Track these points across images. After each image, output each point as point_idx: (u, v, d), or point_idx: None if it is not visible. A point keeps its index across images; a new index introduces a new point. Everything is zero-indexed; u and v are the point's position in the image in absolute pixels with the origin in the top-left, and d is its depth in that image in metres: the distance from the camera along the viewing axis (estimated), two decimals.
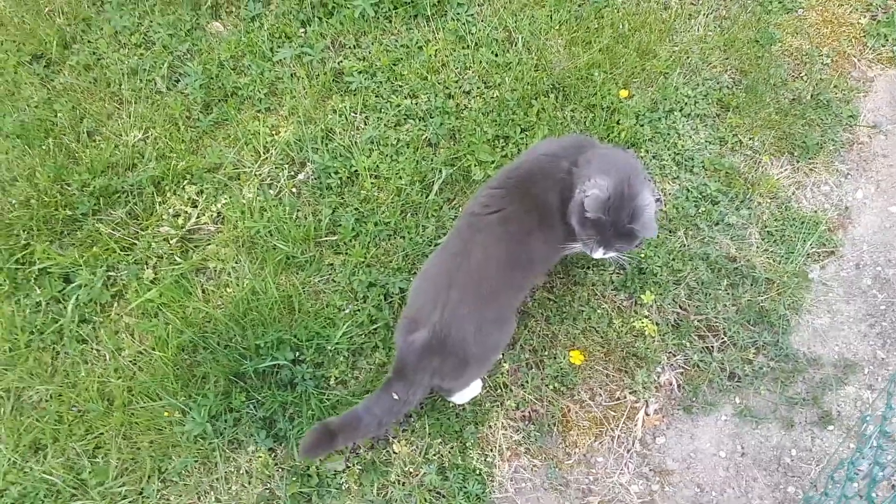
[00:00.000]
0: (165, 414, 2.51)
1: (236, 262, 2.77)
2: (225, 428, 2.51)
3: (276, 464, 2.49)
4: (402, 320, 2.28)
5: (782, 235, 2.91)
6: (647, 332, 2.68)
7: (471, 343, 2.17)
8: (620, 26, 3.20)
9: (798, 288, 2.81)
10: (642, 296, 2.72)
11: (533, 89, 3.04)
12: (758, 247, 2.88)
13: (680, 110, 3.07)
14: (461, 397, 2.50)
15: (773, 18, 3.30)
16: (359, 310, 2.67)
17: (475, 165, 2.86)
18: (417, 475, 2.47)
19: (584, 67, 3.08)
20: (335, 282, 2.73)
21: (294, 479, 2.45)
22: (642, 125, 3.01)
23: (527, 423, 2.59)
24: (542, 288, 2.74)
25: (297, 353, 2.58)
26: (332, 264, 2.76)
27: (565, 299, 2.73)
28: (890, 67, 3.29)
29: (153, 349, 2.61)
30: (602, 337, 2.69)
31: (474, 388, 2.52)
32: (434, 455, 2.50)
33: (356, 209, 2.83)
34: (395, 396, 2.20)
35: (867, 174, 3.10)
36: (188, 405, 2.52)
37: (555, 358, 2.64)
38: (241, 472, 2.49)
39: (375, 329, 2.64)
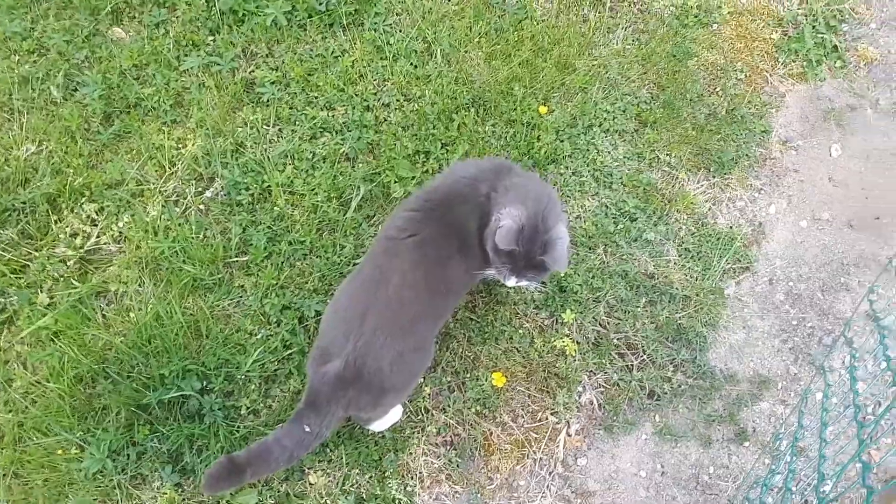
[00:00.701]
0: (60, 452, 2.34)
1: (139, 285, 2.61)
2: (127, 463, 2.35)
3: (183, 500, 2.36)
4: (313, 350, 2.18)
5: (699, 252, 2.93)
6: (567, 352, 2.65)
7: (388, 373, 2.09)
8: (540, 39, 3.17)
9: (715, 304, 2.84)
10: (563, 315, 2.70)
11: (453, 103, 2.98)
12: (675, 263, 2.90)
13: (599, 126, 3.07)
14: (380, 425, 2.42)
15: (690, 33, 3.34)
16: (271, 335, 2.55)
17: (395, 181, 2.77)
18: None
19: (504, 81, 3.04)
20: (246, 305, 2.60)
21: None
22: (562, 141, 2.99)
23: (448, 448, 2.53)
24: (465, 307, 2.68)
25: (205, 382, 2.45)
26: (242, 286, 2.63)
27: (487, 319, 2.68)
28: (800, 83, 3.37)
29: (47, 380, 2.43)
30: (524, 357, 2.65)
31: (394, 415, 2.44)
32: (352, 486, 2.41)
33: (269, 227, 2.70)
34: (307, 429, 2.09)
35: (779, 189, 3.17)
36: (86, 440, 2.36)
37: (477, 380, 2.59)
38: None
39: (290, 355, 2.53)
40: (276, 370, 2.51)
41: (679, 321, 2.78)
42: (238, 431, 2.41)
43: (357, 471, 2.43)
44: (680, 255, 2.91)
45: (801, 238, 3.08)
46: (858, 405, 1.63)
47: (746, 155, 3.16)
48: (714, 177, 3.11)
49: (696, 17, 3.38)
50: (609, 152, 3.04)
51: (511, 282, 2.20)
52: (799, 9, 3.47)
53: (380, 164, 2.83)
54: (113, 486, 2.33)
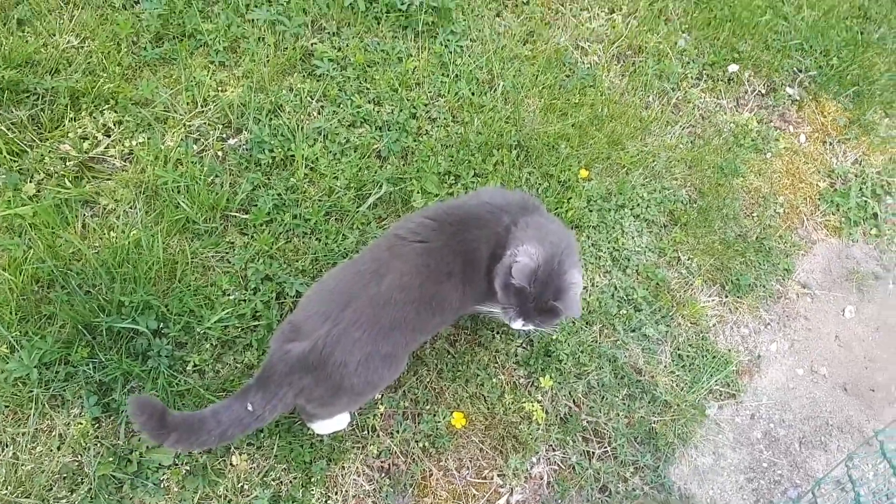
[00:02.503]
0: None
1: (130, 207, 2.49)
2: (53, 380, 2.19)
3: (96, 436, 2.19)
4: (283, 324, 2.04)
5: (692, 363, 2.83)
6: (534, 417, 2.52)
7: (352, 372, 1.95)
8: (599, 109, 3.14)
9: (692, 420, 2.72)
10: (541, 378, 2.58)
11: (498, 139, 2.91)
12: (666, 366, 2.79)
13: (631, 209, 3.01)
14: (323, 427, 2.27)
15: (743, 153, 3.31)
16: (244, 300, 2.42)
17: (419, 193, 2.69)
18: (248, 496, 2.21)
19: (553, 136, 2.99)
20: (229, 263, 2.47)
21: (111, 459, 2.15)
22: (591, 211, 2.92)
23: (383, 475, 2.37)
24: (445, 338, 2.56)
25: (161, 325, 2.31)
26: (232, 243, 2.51)
27: (464, 357, 2.55)
28: (833, 236, 3.33)
29: (4, 269, 2.28)
30: (489, 408, 2.52)
31: (339, 422, 2.29)
32: (273, 480, 2.24)
33: (279, 195, 2.60)
34: (250, 408, 1.93)
35: (785, 330, 3.09)
36: (20, 342, 2.20)
37: (434, 415, 2.45)
38: (53, 433, 2.17)
39: (256, 326, 2.39)
40: (236, 337, 2.37)
41: (653, 424, 2.66)
42: (177, 386, 2.25)
43: (283, 467, 2.26)
44: (672, 360, 2.81)
45: (793, 384, 2.99)
46: None
47: (763, 286, 3.09)
48: (727, 296, 3.03)
49: (752, 140, 3.37)
50: (633, 237, 2.96)
51: (517, 324, 2.08)
52: (852, 167, 3.46)
53: (408, 172, 2.75)
54: (30, 399, 2.17)
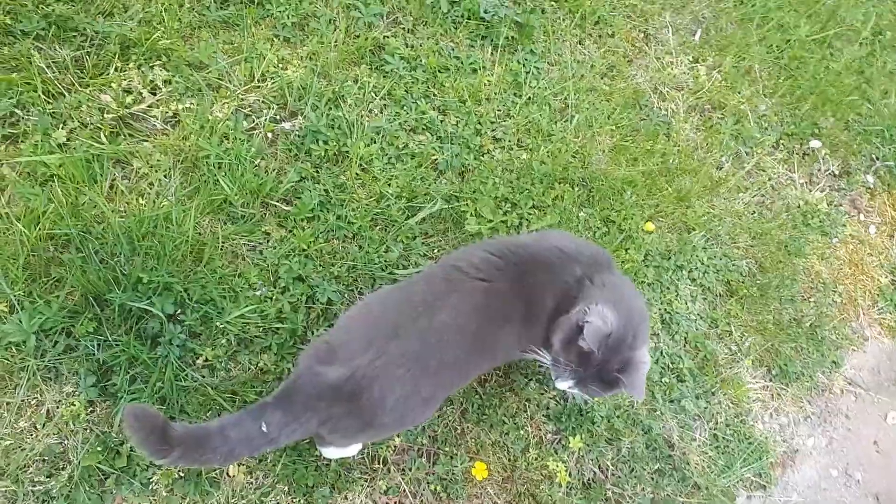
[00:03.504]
0: None
1: (165, 176, 2.28)
2: (50, 350, 1.97)
3: (87, 420, 1.97)
4: (318, 343, 1.83)
5: (727, 446, 2.63)
6: (557, 478, 2.31)
7: (388, 409, 1.73)
8: (671, 161, 2.95)
9: None
10: (570, 438, 2.37)
11: (562, 173, 2.72)
12: (699, 445, 2.59)
13: (689, 272, 2.81)
14: (335, 452, 2.05)
15: (809, 234, 3.12)
16: (271, 298, 2.21)
17: (472, 216, 2.49)
18: None
19: (619, 180, 2.79)
20: (262, 255, 2.26)
21: (99, 448, 1.93)
22: (648, 266, 2.72)
23: None
24: (475, 378, 2.35)
25: (178, 311, 2.09)
26: (268, 234, 2.30)
27: (492, 401, 2.34)
28: (888, 336, 3.13)
29: (18, 219, 2.06)
30: (510, 461, 2.31)
31: (350, 449, 2.08)
32: (271, 500, 2.02)
33: (325, 191, 2.39)
34: (265, 428, 1.70)
35: (825, 426, 2.89)
36: (22, 304, 1.98)
37: (452, 458, 2.24)
38: (41, 409, 1.95)
39: (278, 329, 2.18)
40: (255, 336, 2.16)
41: None
42: (184, 380, 2.03)
43: (284, 487, 2.05)
44: (708, 441, 2.61)
45: (826, 485, 2.78)
46: None
47: (811, 377, 2.89)
48: (772, 381, 2.83)
49: (820, 222, 3.17)
50: (687, 302, 2.77)
51: (564, 384, 1.87)
52: None
53: (463, 191, 2.55)
54: (22, 368, 1.95)
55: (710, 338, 2.76)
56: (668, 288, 2.75)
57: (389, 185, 2.45)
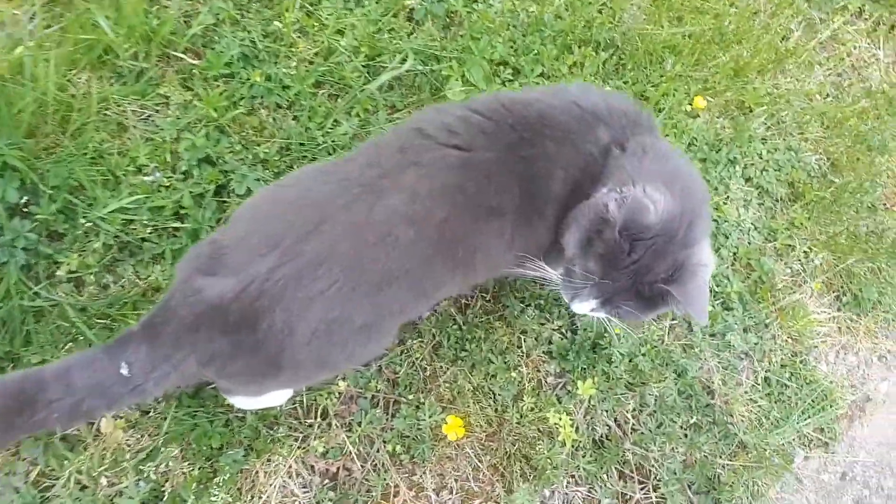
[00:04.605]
0: None
1: (24, 12, 1.62)
2: None
3: None
4: (202, 244, 1.22)
5: (781, 393, 2.04)
6: (560, 435, 1.73)
7: (300, 344, 1.14)
8: (726, 23, 2.24)
9: (773, 472, 1.94)
10: (579, 382, 1.77)
11: (583, 32, 2.03)
12: (746, 392, 1.99)
13: (744, 168, 2.15)
14: (245, 402, 1.48)
15: (895, 126, 2.43)
16: (167, 187, 1.58)
17: (457, 80, 1.82)
18: (112, 487, 1.42)
19: (659, 44, 2.10)
20: (157, 127, 1.63)
21: None
22: (693, 158, 2.07)
23: (326, 482, 1.59)
24: (451, 300, 1.75)
25: (27, 199, 1.48)
26: (167, 98, 1.65)
27: (475, 332, 1.75)
28: None
29: None
30: (496, 412, 1.73)
31: (276, 396, 1.49)
32: (157, 468, 1.45)
33: (252, 41, 1.73)
34: (125, 371, 1.14)
35: None
36: None
37: (417, 409, 1.66)
38: None
39: (177, 231, 1.57)
40: (143, 239, 1.55)
41: (718, 471, 1.88)
42: (35, 298, 1.44)
43: (177, 450, 1.47)
44: (758, 385, 2.01)
45: None
46: None
47: (890, 306, 2.26)
48: (841, 310, 2.21)
49: None
50: (739, 208, 2.12)
51: (584, 306, 1.27)
52: None
53: (447, 48, 1.88)
54: None
55: (766, 254, 2.12)
56: (715, 188, 2.10)
57: (343, 34, 1.78)
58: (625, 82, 2.04)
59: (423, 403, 1.67)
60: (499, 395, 1.74)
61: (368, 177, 1.19)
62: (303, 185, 1.24)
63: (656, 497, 1.82)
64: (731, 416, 1.95)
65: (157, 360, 1.15)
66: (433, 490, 1.66)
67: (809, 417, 2.04)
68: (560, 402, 1.78)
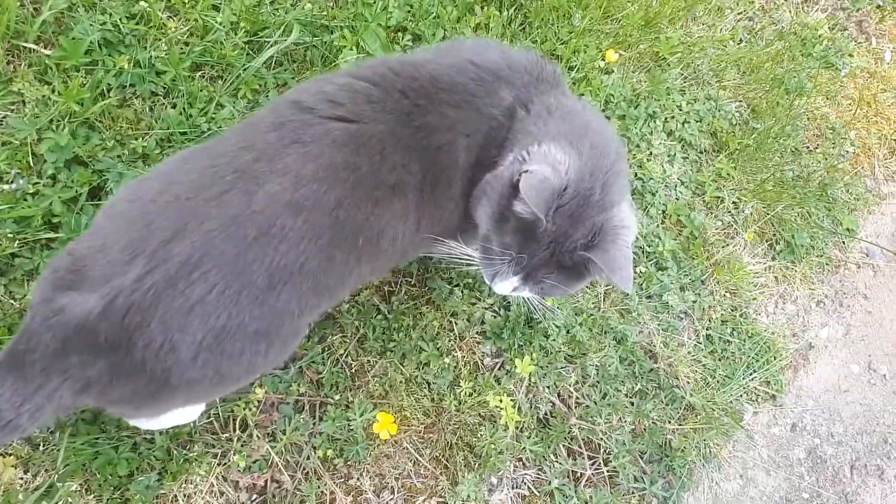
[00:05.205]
0: None
1: None
2: None
3: None
4: (60, 258, 1.05)
5: (724, 350, 1.98)
6: (502, 417, 1.62)
7: (186, 359, 0.99)
8: None
9: (723, 432, 1.88)
10: (517, 360, 1.67)
11: None
12: (690, 353, 1.92)
13: (664, 122, 2.08)
14: (147, 423, 1.32)
15: (811, 65, 2.40)
16: (34, 194, 1.40)
17: (351, 49, 1.68)
18: None
19: None
20: (11, 128, 1.43)
21: None
22: (610, 116, 1.98)
23: (255, 497, 1.45)
24: (374, 288, 1.62)
25: None
26: (22, 95, 1.46)
27: (402, 321, 1.62)
28: None
29: None
30: (433, 401, 1.61)
31: (185, 413, 1.34)
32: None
33: (113, 24, 1.55)
34: None
35: (840, 311, 2.25)
36: None
37: (346, 409, 1.53)
38: None
39: (50, 242, 1.39)
40: (13, 255, 1.36)
41: (668, 436, 1.81)
42: None
43: (79, 482, 1.30)
44: (699, 345, 1.95)
45: (846, 385, 2.17)
46: None
47: (822, 250, 2.23)
48: (776, 258, 2.16)
49: (823, 51, 2.44)
50: (663, 163, 2.05)
51: (504, 285, 1.16)
52: None
53: (339, 17, 1.74)
54: None
55: (695, 208, 2.06)
56: (637, 145, 2.02)
57: (218, 10, 1.62)
58: (533, 41, 1.93)
59: (353, 402, 1.54)
60: (433, 383, 1.62)
61: (243, 161, 1.04)
62: (165, 178, 1.08)
63: (608, 471, 1.73)
64: (677, 378, 1.88)
65: (26, 393, 0.98)
66: (373, 492, 1.53)
67: (755, 372, 1.99)
68: (499, 384, 1.67)
